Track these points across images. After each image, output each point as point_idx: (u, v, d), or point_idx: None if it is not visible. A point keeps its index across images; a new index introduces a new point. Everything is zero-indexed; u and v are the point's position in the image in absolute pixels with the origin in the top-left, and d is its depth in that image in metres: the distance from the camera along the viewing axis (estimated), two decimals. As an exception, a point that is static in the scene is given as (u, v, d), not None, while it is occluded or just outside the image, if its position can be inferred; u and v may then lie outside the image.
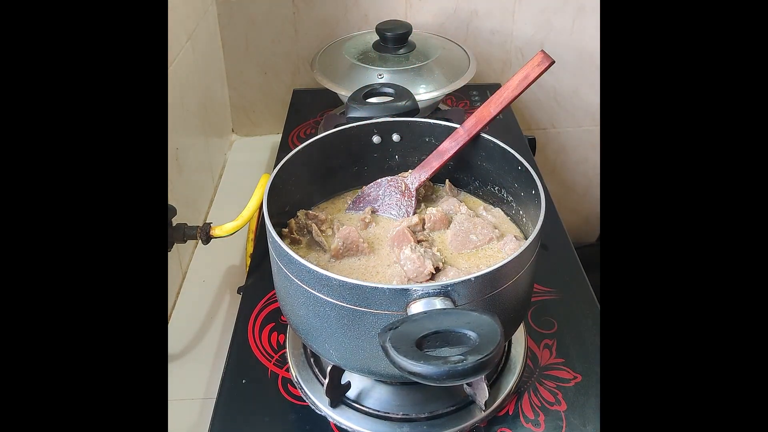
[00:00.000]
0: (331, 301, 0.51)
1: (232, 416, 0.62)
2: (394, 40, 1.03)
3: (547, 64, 0.64)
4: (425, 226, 0.66)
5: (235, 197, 0.96)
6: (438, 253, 0.61)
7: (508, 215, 0.69)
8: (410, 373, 0.42)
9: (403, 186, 0.70)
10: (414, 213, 0.68)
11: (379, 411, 0.62)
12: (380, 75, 0.99)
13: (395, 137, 0.71)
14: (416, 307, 0.48)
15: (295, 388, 0.65)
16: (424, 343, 0.44)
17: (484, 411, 0.61)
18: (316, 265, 0.51)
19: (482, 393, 0.60)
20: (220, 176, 1.19)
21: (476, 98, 1.15)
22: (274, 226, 0.56)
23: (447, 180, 0.72)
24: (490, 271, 0.50)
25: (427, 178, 0.69)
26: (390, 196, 0.70)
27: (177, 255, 0.93)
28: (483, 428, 0.61)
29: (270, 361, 0.68)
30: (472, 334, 0.44)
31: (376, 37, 1.05)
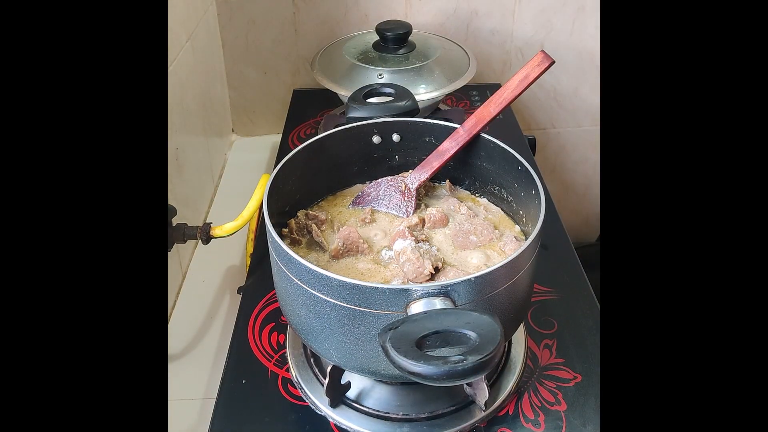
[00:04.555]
0: (331, 301, 0.51)
1: (232, 416, 0.62)
2: (394, 40, 1.03)
3: (547, 64, 0.64)
4: (425, 226, 0.66)
5: (235, 197, 0.95)
6: (438, 253, 0.61)
7: (508, 215, 0.69)
8: (410, 373, 0.42)
9: (403, 186, 0.70)
10: (414, 213, 0.68)
11: (379, 411, 0.62)
12: (380, 75, 0.99)
13: (395, 137, 0.71)
14: (416, 307, 0.48)
15: (295, 388, 0.65)
16: (424, 343, 0.44)
17: (484, 411, 0.61)
18: (316, 265, 0.51)
19: (482, 393, 0.60)
20: (220, 176, 1.18)
21: (476, 98, 1.15)
22: (274, 226, 0.56)
23: (447, 180, 0.72)
24: (490, 271, 0.50)
25: (427, 178, 0.69)
26: (390, 196, 0.70)
27: (177, 255, 0.93)
28: (483, 428, 0.61)
29: (270, 361, 0.68)
30: (472, 334, 0.44)
31: (376, 37, 1.05)
